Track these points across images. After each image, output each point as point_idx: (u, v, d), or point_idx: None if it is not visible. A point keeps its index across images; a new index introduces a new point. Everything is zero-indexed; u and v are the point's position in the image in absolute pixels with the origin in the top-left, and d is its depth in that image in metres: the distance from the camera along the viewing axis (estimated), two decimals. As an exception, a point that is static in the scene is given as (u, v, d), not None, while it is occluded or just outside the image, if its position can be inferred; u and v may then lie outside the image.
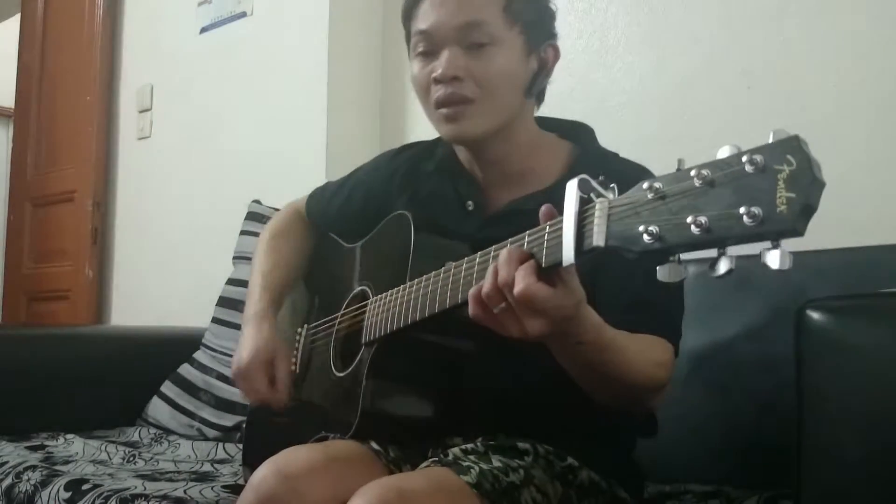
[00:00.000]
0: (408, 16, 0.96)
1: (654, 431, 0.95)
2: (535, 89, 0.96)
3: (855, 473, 0.69)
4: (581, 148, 0.98)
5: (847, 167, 1.29)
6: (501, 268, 0.67)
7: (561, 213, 0.63)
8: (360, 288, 1.02)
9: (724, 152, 0.52)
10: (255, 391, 1.02)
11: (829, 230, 1.25)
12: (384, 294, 0.91)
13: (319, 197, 1.19)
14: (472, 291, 0.70)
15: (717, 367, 1.16)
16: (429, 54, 0.93)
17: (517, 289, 0.65)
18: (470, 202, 0.98)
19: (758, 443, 1.11)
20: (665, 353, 0.83)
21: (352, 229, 1.09)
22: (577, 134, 1.00)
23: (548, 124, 1.01)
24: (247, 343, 1.03)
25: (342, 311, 1.03)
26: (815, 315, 0.72)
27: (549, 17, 0.96)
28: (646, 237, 0.54)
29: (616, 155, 0.97)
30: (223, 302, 1.78)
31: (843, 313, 0.72)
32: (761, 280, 1.18)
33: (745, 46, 1.44)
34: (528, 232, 0.68)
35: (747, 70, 1.43)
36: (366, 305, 0.95)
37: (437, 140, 1.06)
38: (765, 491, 1.05)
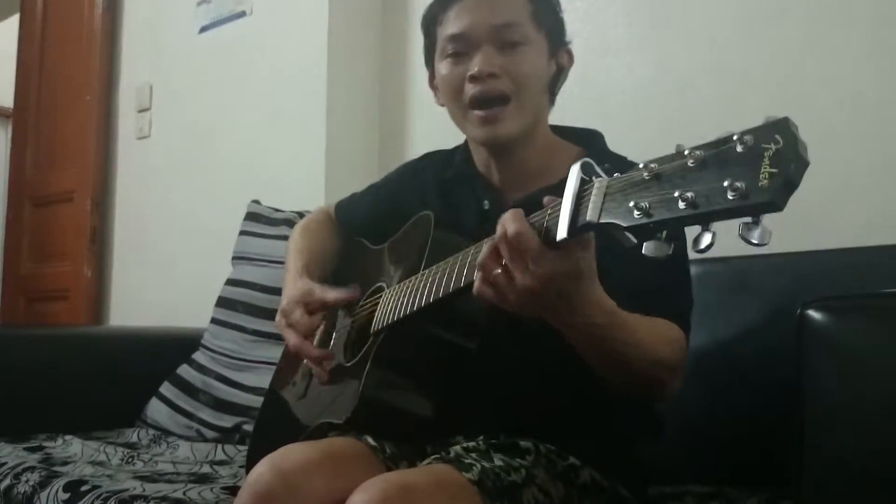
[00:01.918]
0: (433, 21, 0.99)
1: (659, 435, 0.95)
2: (555, 91, 1.00)
3: (855, 474, 0.69)
4: (590, 151, 0.99)
5: (847, 167, 1.29)
6: (499, 227, 0.69)
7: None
8: (377, 284, 1.03)
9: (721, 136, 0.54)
10: (294, 324, 1.02)
11: (829, 230, 1.26)
12: (396, 286, 0.92)
13: (347, 205, 1.23)
14: (479, 259, 0.72)
15: (717, 368, 1.16)
16: (461, 55, 0.95)
17: (510, 230, 0.67)
18: (486, 202, 1.00)
19: (758, 443, 1.11)
20: (675, 334, 0.83)
21: (376, 233, 1.12)
22: (587, 139, 1.03)
23: (560, 132, 1.03)
24: (285, 294, 1.06)
25: (358, 305, 1.05)
26: (816, 315, 0.72)
27: (562, 24, 1.01)
28: (636, 212, 0.56)
29: (624, 158, 0.98)
30: (222, 302, 1.77)
31: (843, 313, 0.72)
32: (761, 280, 1.18)
33: (745, 46, 1.44)
34: (531, 216, 0.70)
35: (747, 70, 1.43)
36: (379, 298, 0.96)
37: (455, 149, 1.09)
38: (765, 492, 1.05)
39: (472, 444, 0.86)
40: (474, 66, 0.93)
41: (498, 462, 0.82)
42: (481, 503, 0.76)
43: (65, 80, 2.75)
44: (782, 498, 1.01)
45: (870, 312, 0.74)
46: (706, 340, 1.15)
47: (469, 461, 0.81)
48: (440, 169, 1.08)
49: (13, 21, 3.25)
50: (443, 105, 1.01)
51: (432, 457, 0.85)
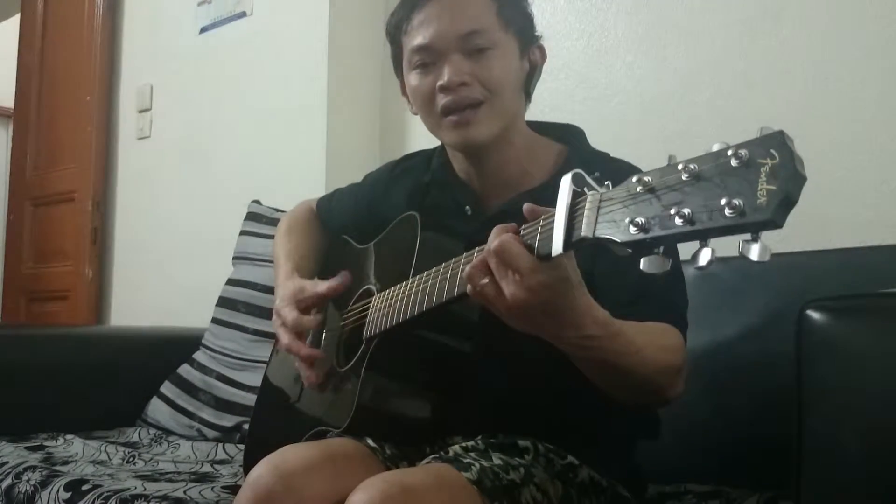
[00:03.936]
0: (397, 30, 0.97)
1: (656, 433, 0.95)
2: (530, 90, 0.98)
3: (855, 473, 0.69)
4: (572, 149, 0.99)
5: (847, 167, 1.29)
6: (489, 240, 0.68)
7: (551, 207, 0.64)
8: (366, 286, 1.03)
9: (714, 148, 0.53)
10: (285, 321, 1.02)
11: (829, 230, 1.26)
12: (387, 291, 0.92)
13: (328, 203, 1.23)
14: (465, 271, 0.71)
15: (717, 368, 1.16)
16: (429, 65, 0.94)
17: (494, 244, 0.67)
18: (468, 207, 0.99)
19: (758, 443, 1.11)
20: (674, 337, 0.82)
21: (358, 233, 1.12)
22: (567, 136, 1.01)
23: (539, 128, 1.02)
24: (278, 294, 1.07)
25: (347, 308, 1.04)
26: (815, 315, 0.71)
27: (531, 20, 0.99)
28: (632, 228, 0.55)
29: (607, 154, 0.98)
30: (223, 302, 1.78)
31: (843, 313, 0.72)
32: (761, 280, 1.18)
33: (745, 46, 1.44)
34: (523, 226, 0.69)
35: (747, 70, 1.43)
36: (370, 302, 0.96)
37: (433, 151, 1.08)
38: (765, 491, 1.05)
39: (470, 443, 0.87)
40: (443, 76, 0.91)
41: (497, 461, 0.82)
42: (480, 502, 0.76)
43: (65, 81, 2.75)
44: (781, 497, 1.01)
45: (870, 312, 0.74)
46: (706, 340, 1.15)
47: (468, 460, 0.81)
48: (419, 172, 1.07)
49: (14, 21, 3.26)
50: (416, 114, 1.00)
51: (431, 456, 0.85)
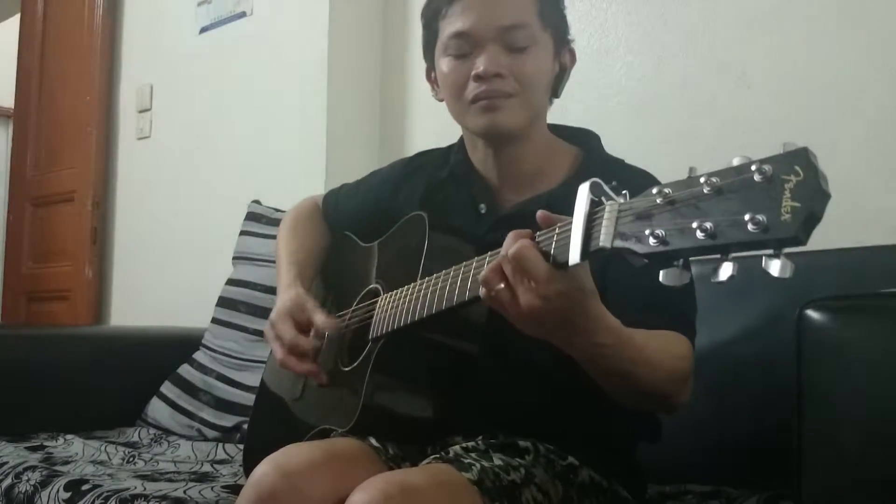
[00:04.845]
0: (435, 15, 0.97)
1: (657, 436, 0.95)
2: (558, 91, 0.99)
3: (855, 473, 0.69)
4: (587, 153, 0.99)
5: (847, 167, 1.29)
6: (505, 246, 0.68)
7: (563, 214, 0.64)
8: (372, 285, 1.03)
9: (736, 162, 0.53)
10: (281, 337, 0.99)
11: (829, 230, 1.26)
12: (394, 291, 0.92)
13: (335, 197, 1.21)
14: (482, 275, 0.71)
15: (718, 367, 1.16)
16: (465, 53, 0.93)
17: (512, 250, 0.66)
18: (482, 205, 0.99)
19: (758, 443, 1.11)
20: (682, 345, 0.83)
21: (363, 231, 1.11)
22: (584, 140, 1.02)
23: (556, 130, 1.02)
24: (276, 305, 1.04)
25: (353, 307, 1.04)
26: (815, 315, 0.72)
27: (566, 21, 0.99)
28: (652, 240, 0.55)
29: (622, 161, 0.98)
30: (223, 302, 1.78)
31: (843, 313, 0.72)
32: (761, 281, 1.18)
33: (745, 46, 1.44)
34: (538, 233, 0.69)
35: (747, 70, 1.43)
36: (376, 302, 0.96)
37: (450, 147, 1.08)
38: (765, 491, 1.05)
39: (471, 443, 0.87)
40: (479, 65, 0.91)
41: (497, 462, 0.82)
42: (481, 503, 0.76)
43: (65, 81, 2.75)
44: (782, 497, 1.01)
45: (870, 312, 0.74)
46: (706, 340, 1.14)
47: (468, 461, 0.81)
48: (435, 168, 1.06)
49: (14, 21, 3.26)
50: (441, 100, 1.00)
51: (432, 457, 0.86)
